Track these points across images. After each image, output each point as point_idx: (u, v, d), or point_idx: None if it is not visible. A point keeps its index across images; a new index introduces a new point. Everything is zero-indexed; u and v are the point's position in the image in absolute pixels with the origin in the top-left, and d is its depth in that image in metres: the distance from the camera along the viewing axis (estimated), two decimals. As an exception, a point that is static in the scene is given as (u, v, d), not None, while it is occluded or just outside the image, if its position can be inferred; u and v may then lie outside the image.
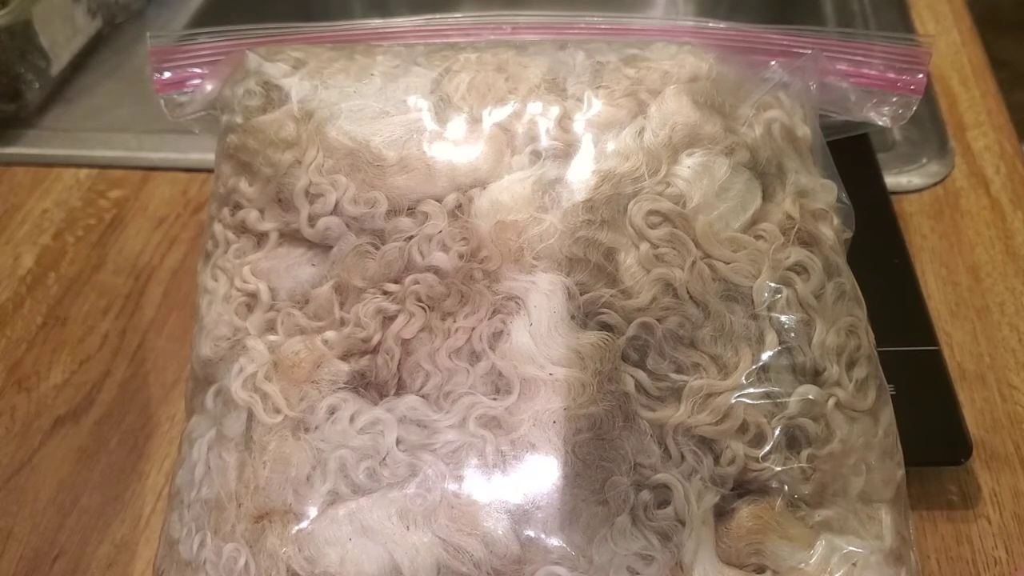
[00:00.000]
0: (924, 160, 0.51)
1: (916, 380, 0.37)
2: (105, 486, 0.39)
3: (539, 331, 0.28)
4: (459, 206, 0.31)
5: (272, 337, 0.31)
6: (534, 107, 0.32)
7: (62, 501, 0.38)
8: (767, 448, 0.28)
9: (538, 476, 0.27)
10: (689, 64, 0.33)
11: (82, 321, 0.46)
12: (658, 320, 0.29)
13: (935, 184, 0.49)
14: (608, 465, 0.27)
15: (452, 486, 0.27)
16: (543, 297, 0.29)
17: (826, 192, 0.33)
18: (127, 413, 0.41)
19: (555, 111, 0.32)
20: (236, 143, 0.34)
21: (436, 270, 0.30)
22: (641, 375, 0.28)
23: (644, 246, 0.29)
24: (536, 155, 0.31)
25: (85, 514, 0.38)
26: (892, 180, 0.49)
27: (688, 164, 0.31)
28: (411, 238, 0.30)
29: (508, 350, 0.29)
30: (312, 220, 0.31)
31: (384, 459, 0.28)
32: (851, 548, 0.28)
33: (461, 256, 0.30)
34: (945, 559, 0.34)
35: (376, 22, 0.38)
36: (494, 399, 0.28)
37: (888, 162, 0.50)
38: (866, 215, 0.34)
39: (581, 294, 0.29)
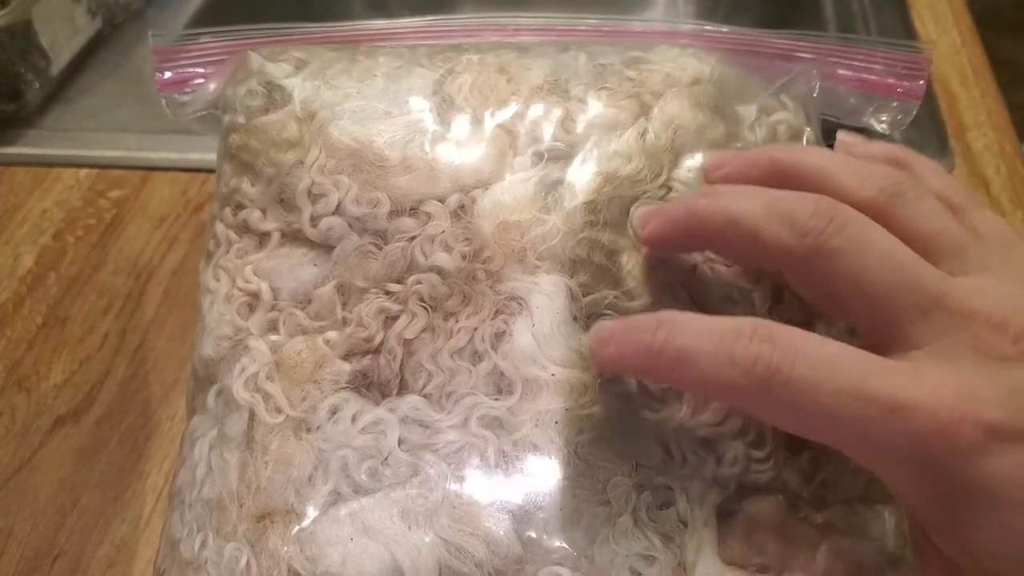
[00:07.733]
0: (924, 161, 0.51)
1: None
2: (105, 486, 0.39)
3: (541, 332, 0.28)
4: (462, 206, 0.31)
5: (274, 337, 0.31)
6: (536, 108, 0.32)
7: (62, 501, 0.38)
8: (768, 449, 0.28)
9: (540, 476, 0.27)
10: (691, 67, 0.33)
11: (82, 321, 0.45)
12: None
13: (935, 185, 0.49)
14: (610, 466, 0.27)
15: (454, 486, 0.27)
16: (546, 298, 0.29)
17: (827, 194, 0.33)
18: (127, 413, 0.41)
19: (557, 112, 0.32)
20: (238, 143, 0.34)
21: (439, 270, 0.30)
22: (643, 376, 0.28)
23: (646, 248, 0.29)
24: (538, 156, 0.31)
25: (85, 514, 0.38)
26: (892, 181, 0.49)
27: (690, 167, 0.31)
28: (414, 238, 0.30)
29: (510, 350, 0.29)
30: (314, 220, 0.31)
31: (386, 459, 0.28)
32: (853, 549, 0.28)
33: (464, 256, 0.30)
34: (945, 560, 0.34)
35: (378, 23, 0.38)
36: (496, 399, 0.28)
37: (888, 163, 0.50)
38: (866, 216, 0.34)
39: (584, 295, 0.29)
